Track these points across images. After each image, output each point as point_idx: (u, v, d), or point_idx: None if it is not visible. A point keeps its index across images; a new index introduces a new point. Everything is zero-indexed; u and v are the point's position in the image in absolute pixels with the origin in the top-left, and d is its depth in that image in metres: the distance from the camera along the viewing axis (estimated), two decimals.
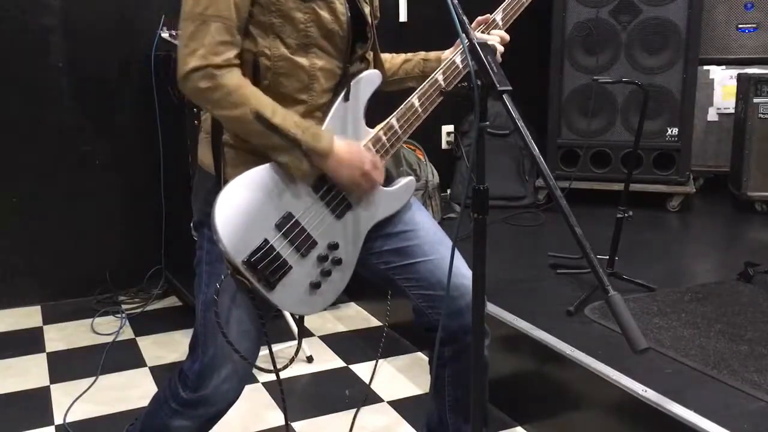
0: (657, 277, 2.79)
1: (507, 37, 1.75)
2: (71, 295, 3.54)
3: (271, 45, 1.53)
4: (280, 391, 1.72)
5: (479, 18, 1.76)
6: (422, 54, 1.84)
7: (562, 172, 3.87)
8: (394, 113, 1.65)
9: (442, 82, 1.66)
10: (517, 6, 1.77)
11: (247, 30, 1.53)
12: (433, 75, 1.67)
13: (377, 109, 1.69)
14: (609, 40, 3.77)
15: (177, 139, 3.19)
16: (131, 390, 2.70)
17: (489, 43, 1.64)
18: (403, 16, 4.04)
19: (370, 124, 1.67)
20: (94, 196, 3.55)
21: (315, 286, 1.58)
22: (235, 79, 1.48)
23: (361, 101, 1.63)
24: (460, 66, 1.67)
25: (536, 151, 1.24)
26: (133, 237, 3.63)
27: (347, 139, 1.59)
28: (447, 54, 1.76)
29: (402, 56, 1.85)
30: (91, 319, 3.31)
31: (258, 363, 1.66)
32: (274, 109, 1.49)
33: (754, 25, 4.02)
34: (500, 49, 1.72)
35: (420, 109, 1.65)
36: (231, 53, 1.48)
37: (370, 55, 1.70)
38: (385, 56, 1.84)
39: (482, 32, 1.74)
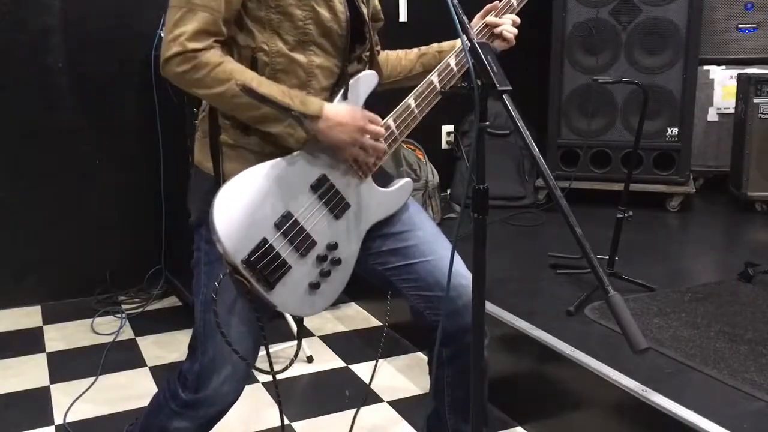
0: (657, 277, 2.79)
1: (518, 20, 1.75)
2: (71, 295, 3.54)
3: (269, 41, 1.54)
4: (276, 393, 1.72)
5: (488, 6, 1.76)
6: (436, 46, 1.84)
7: (562, 172, 3.87)
8: (391, 114, 1.65)
9: (437, 84, 1.66)
10: None
11: (245, 25, 1.53)
12: (428, 77, 1.67)
13: (376, 109, 1.69)
14: (609, 40, 3.77)
15: (177, 139, 3.19)
16: (131, 390, 2.70)
17: (502, 27, 1.67)
18: (403, 16, 4.05)
19: None
20: (94, 196, 3.55)
21: (314, 286, 1.58)
22: (215, 56, 1.48)
23: (359, 101, 1.63)
24: (455, 69, 1.67)
25: (536, 151, 1.24)
26: (133, 237, 3.63)
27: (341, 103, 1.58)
28: (459, 43, 1.75)
29: (415, 51, 1.85)
30: (91, 319, 3.31)
31: (258, 364, 1.66)
32: (259, 80, 1.50)
33: (754, 25, 4.02)
34: (514, 31, 1.73)
35: (416, 111, 1.65)
36: (212, 41, 1.48)
37: (367, 56, 1.70)
38: (399, 53, 1.85)
39: (495, 16, 1.74)
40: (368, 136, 1.57)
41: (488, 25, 1.73)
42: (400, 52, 1.85)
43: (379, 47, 1.85)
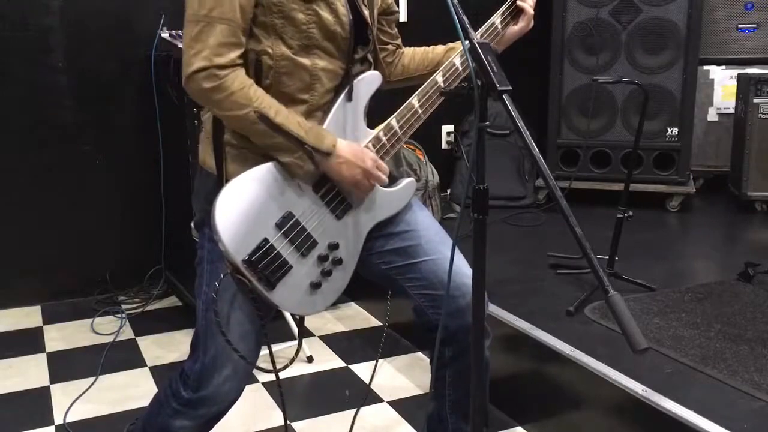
0: (657, 277, 2.79)
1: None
2: (71, 295, 3.54)
3: (273, 44, 1.54)
4: (279, 392, 1.72)
5: None
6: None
7: (562, 172, 3.87)
8: (395, 114, 1.66)
9: (441, 84, 1.67)
10: None
11: (249, 30, 1.53)
12: (433, 77, 1.67)
13: (378, 109, 1.69)
14: (609, 40, 3.77)
15: (177, 139, 3.19)
16: (131, 390, 2.70)
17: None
18: (403, 16, 4.04)
19: (371, 125, 1.67)
20: (94, 196, 3.55)
21: (315, 286, 1.58)
22: (238, 79, 1.48)
23: (362, 102, 1.63)
24: (460, 68, 1.68)
25: (536, 151, 1.24)
26: (133, 237, 3.63)
27: (349, 140, 1.59)
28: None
29: (442, 47, 1.86)
30: (91, 319, 3.31)
31: (259, 363, 1.66)
32: (277, 109, 1.50)
33: (754, 25, 4.02)
34: (532, 3, 1.78)
35: (420, 110, 1.65)
36: (234, 54, 1.49)
37: (371, 57, 1.71)
38: (425, 48, 1.86)
39: None
40: (371, 179, 1.60)
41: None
42: (427, 48, 1.87)
43: (399, 40, 1.87)
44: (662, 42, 3.71)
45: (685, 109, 3.73)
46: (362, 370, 2.84)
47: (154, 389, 2.64)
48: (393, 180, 1.71)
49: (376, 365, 2.75)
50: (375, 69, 1.71)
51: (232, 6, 1.47)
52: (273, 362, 1.65)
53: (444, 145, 4.34)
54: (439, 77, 1.67)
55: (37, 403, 2.62)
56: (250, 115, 1.47)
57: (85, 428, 2.46)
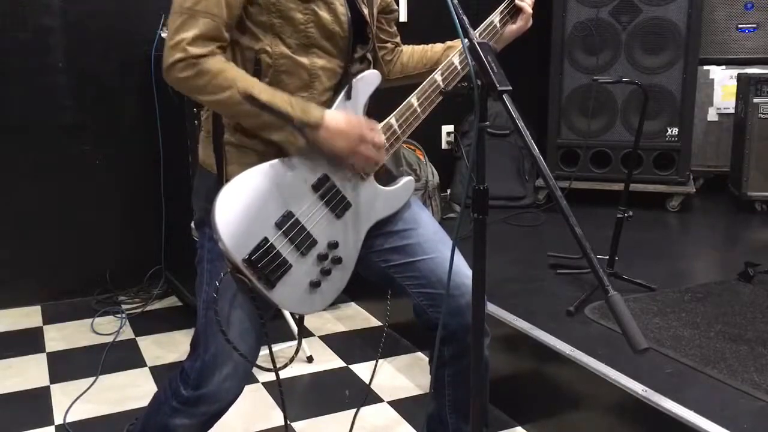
0: (657, 277, 2.79)
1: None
2: (71, 295, 3.54)
3: (272, 43, 1.54)
4: (279, 391, 1.72)
5: None
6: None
7: (562, 172, 3.87)
8: (393, 113, 1.66)
9: (440, 83, 1.67)
10: None
11: (247, 28, 1.53)
12: (431, 75, 1.68)
13: (377, 108, 1.69)
14: (609, 40, 3.77)
15: (177, 139, 3.19)
16: (131, 390, 2.70)
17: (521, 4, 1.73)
18: (403, 16, 4.04)
19: None
20: (94, 196, 3.55)
21: (315, 285, 1.58)
22: (218, 63, 1.48)
23: (361, 101, 1.63)
24: (459, 67, 1.68)
25: (536, 151, 1.24)
26: (133, 237, 3.63)
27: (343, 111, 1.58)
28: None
29: (440, 45, 1.86)
30: (91, 319, 3.31)
31: (259, 362, 1.66)
32: (260, 87, 1.49)
33: (754, 25, 4.02)
34: (530, 2, 1.79)
35: (419, 110, 1.65)
36: (213, 47, 1.48)
37: (370, 56, 1.71)
38: (424, 46, 1.86)
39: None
40: (368, 144, 1.57)
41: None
42: (426, 46, 1.87)
43: (398, 38, 1.87)
44: (662, 42, 3.71)
45: (685, 109, 3.73)
46: (362, 370, 2.83)
47: (154, 389, 2.64)
48: (392, 179, 1.71)
49: (376, 365, 2.75)
50: (374, 67, 1.70)
51: (218, 1, 1.47)
52: (273, 361, 1.65)
53: (444, 145, 4.34)
54: (437, 76, 1.67)
55: (37, 403, 2.62)
56: (235, 96, 1.46)
57: (85, 428, 2.46)
